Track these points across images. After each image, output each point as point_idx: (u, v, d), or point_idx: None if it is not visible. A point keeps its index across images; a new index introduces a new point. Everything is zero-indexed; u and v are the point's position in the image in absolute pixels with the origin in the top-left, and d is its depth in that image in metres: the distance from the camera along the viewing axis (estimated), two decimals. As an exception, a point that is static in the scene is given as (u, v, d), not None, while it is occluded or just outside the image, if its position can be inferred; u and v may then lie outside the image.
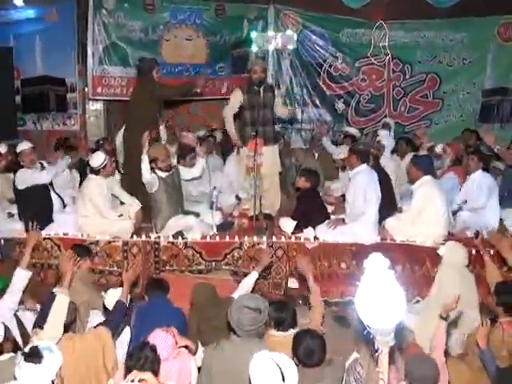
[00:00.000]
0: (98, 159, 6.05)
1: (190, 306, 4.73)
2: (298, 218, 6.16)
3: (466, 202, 6.35)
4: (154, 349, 3.16)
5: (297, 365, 3.39)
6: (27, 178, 6.01)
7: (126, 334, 4.28)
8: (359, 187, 5.92)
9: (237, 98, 6.58)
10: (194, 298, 4.66)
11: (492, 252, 5.48)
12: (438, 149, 7.45)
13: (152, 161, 5.93)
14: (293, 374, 2.86)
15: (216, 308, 4.42)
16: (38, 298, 5.28)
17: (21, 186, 6.00)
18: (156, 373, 3.11)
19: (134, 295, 5.25)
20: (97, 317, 4.48)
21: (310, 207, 6.22)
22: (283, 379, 2.79)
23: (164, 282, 4.72)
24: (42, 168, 6.26)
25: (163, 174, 6.01)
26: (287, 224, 6.21)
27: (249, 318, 3.28)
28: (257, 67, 6.55)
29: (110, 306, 4.17)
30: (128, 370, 3.07)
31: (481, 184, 6.21)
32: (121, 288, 4.33)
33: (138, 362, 3.05)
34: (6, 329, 3.54)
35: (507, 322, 4.14)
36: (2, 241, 6.02)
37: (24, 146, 6.20)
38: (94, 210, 5.98)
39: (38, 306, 5.01)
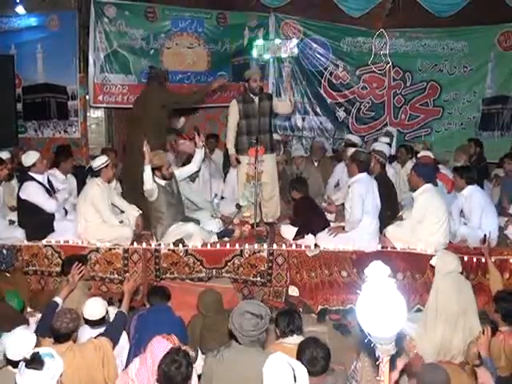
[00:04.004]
0: (98, 160, 6.06)
1: (196, 312, 4.74)
2: (299, 226, 6.17)
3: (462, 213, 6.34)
4: (186, 353, 3.16)
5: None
6: (33, 195, 5.92)
7: (123, 339, 4.28)
8: (357, 195, 5.89)
9: (235, 110, 6.54)
10: (201, 304, 4.67)
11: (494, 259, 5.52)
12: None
13: (157, 168, 5.93)
14: (304, 378, 2.90)
15: (221, 315, 4.44)
16: (38, 306, 5.29)
17: (23, 196, 5.94)
18: (189, 378, 3.12)
19: (134, 303, 5.27)
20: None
21: (308, 215, 6.23)
22: (295, 380, 2.83)
23: (165, 289, 4.70)
24: (50, 189, 6.16)
25: (162, 182, 6.01)
26: (288, 231, 6.22)
27: (250, 323, 3.27)
28: (256, 76, 6.56)
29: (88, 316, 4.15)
30: (162, 373, 3.06)
31: (470, 204, 6.09)
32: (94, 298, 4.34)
33: (174, 364, 3.05)
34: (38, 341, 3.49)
35: (508, 332, 4.13)
36: (4, 250, 5.97)
37: (34, 157, 6.01)
38: (97, 214, 5.95)
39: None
